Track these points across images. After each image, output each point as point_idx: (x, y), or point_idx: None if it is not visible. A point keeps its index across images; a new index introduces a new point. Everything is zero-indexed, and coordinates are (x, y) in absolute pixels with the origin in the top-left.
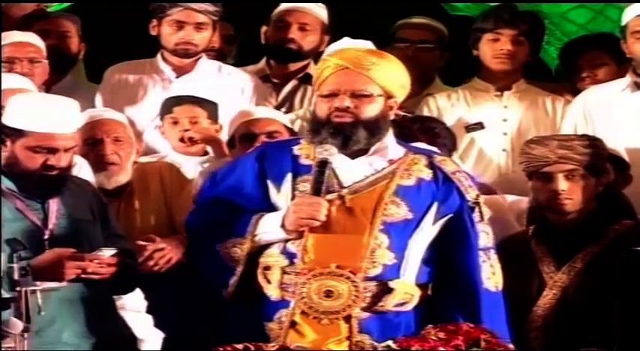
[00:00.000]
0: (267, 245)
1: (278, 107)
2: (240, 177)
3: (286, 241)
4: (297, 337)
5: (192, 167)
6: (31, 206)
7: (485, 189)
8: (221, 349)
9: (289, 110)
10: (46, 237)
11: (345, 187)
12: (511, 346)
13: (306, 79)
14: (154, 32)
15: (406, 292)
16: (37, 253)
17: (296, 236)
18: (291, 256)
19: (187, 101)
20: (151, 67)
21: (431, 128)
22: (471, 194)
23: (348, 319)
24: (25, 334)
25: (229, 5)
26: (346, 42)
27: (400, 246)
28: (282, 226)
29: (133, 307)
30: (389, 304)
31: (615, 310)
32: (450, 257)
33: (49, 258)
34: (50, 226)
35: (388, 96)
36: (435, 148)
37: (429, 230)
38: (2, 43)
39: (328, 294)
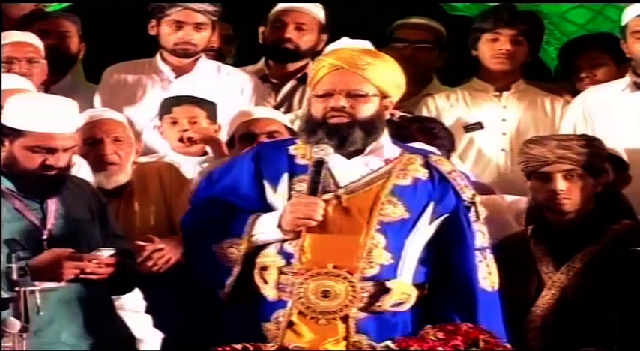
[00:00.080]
0: (264, 245)
1: (277, 107)
2: (237, 177)
3: (283, 241)
4: (294, 337)
5: (192, 167)
6: (29, 206)
7: (483, 189)
8: (220, 349)
9: (288, 110)
10: (44, 237)
11: (341, 187)
12: (508, 345)
13: (305, 79)
14: (153, 32)
15: (403, 292)
16: (36, 253)
17: (293, 236)
18: (287, 256)
19: (186, 101)
20: (150, 67)
21: (429, 129)
22: (466, 194)
23: (345, 319)
24: (24, 334)
25: (228, 5)
26: (345, 42)
27: (397, 246)
28: (279, 226)
29: (132, 307)
30: (386, 304)
31: (614, 310)
32: (447, 257)
33: (47, 258)
34: (49, 226)
35: (383, 95)
36: (430, 148)
37: (425, 230)
38: (2, 43)
39: (325, 294)
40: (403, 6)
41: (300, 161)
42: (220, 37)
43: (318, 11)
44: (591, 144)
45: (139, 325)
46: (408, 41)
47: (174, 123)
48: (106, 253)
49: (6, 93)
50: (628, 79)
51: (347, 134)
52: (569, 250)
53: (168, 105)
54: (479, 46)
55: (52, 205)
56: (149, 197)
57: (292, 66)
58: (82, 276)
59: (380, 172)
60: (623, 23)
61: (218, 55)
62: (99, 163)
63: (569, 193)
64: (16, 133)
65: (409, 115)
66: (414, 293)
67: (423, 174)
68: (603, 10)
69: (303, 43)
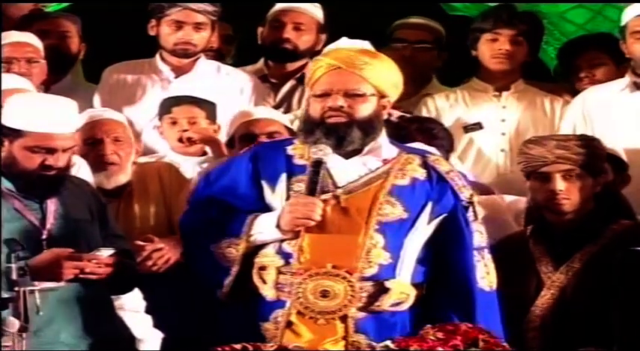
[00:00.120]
0: (262, 245)
1: (276, 107)
2: (235, 177)
3: (281, 241)
4: (293, 337)
5: (191, 167)
6: (29, 206)
7: (482, 189)
8: (219, 349)
9: (287, 110)
10: (44, 237)
11: (339, 187)
12: (506, 345)
13: (304, 79)
14: (152, 32)
15: (402, 292)
16: (35, 253)
17: (291, 236)
18: (286, 256)
19: (186, 101)
20: (149, 67)
21: (429, 129)
22: (464, 194)
23: (344, 319)
24: (24, 334)
25: (228, 5)
26: (344, 42)
27: (395, 246)
28: (278, 226)
29: (132, 308)
30: (385, 303)
31: (613, 310)
32: (445, 257)
33: (47, 258)
34: (48, 226)
35: (381, 95)
36: (428, 148)
37: (423, 230)
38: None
39: (324, 294)
40: (402, 6)
41: (298, 161)
42: (220, 37)
43: (316, 11)
44: (590, 144)
45: (138, 325)
46: (407, 41)
47: (174, 123)
48: (105, 253)
49: (5, 93)
50: (627, 79)
51: (345, 134)
52: (569, 250)
53: (168, 105)
54: (478, 46)
55: (52, 205)
56: (149, 197)
57: (291, 66)
58: (81, 276)
59: (378, 172)
60: (622, 23)
61: (218, 55)
62: (99, 163)
63: (568, 193)
64: (15, 133)
65: (408, 115)
66: (412, 293)
67: (421, 174)
68: (603, 10)
69: (302, 43)
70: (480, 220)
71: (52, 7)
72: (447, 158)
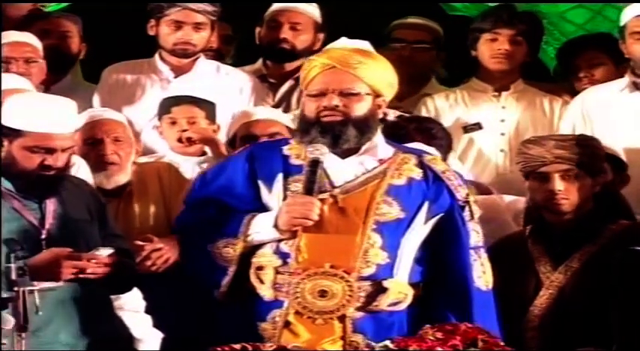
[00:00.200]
0: (259, 245)
1: (275, 107)
2: (231, 177)
3: (279, 241)
4: (291, 337)
5: (191, 167)
6: (28, 206)
7: (481, 188)
8: (219, 349)
9: (286, 110)
10: (43, 237)
11: (336, 187)
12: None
13: None
14: (152, 32)
15: (400, 292)
16: (34, 253)
17: (289, 236)
18: (284, 256)
19: (185, 101)
20: (148, 67)
21: (427, 128)
22: (461, 193)
23: (342, 318)
24: (23, 334)
25: (227, 5)
26: (343, 42)
27: (393, 245)
28: (275, 226)
29: (132, 308)
30: (383, 303)
31: (612, 309)
32: (442, 256)
33: (46, 257)
34: (47, 225)
35: (376, 94)
36: (424, 148)
37: (420, 229)
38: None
39: (322, 294)
40: (402, 6)
41: (294, 161)
42: (219, 37)
43: (313, 10)
44: (589, 144)
45: (138, 325)
46: (405, 41)
47: (174, 123)
48: (104, 252)
49: (5, 93)
50: (627, 79)
51: (340, 132)
52: (568, 249)
53: (167, 105)
54: (478, 46)
55: (51, 205)
56: (148, 197)
57: (290, 66)
58: (80, 276)
59: (374, 172)
60: (621, 24)
61: (217, 55)
62: (99, 163)
63: (567, 193)
64: (14, 133)
65: (407, 115)
66: (410, 293)
67: (417, 173)
68: (602, 10)
69: (300, 43)
70: (476, 220)
71: (50, 7)
72: (445, 158)
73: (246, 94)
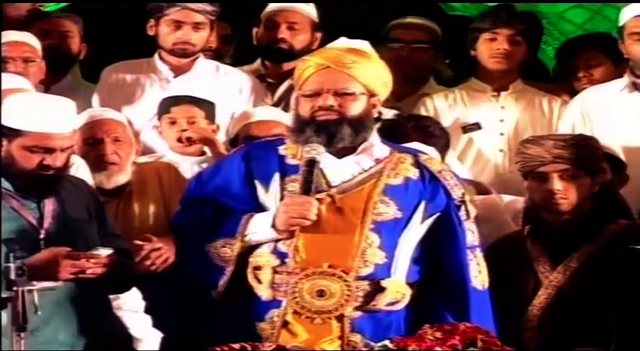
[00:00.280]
0: (257, 245)
1: (274, 107)
2: (227, 177)
3: (276, 241)
4: (289, 337)
5: (190, 167)
6: (26, 206)
7: (480, 188)
8: (218, 349)
9: (285, 110)
10: (41, 236)
11: (333, 187)
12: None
13: None
14: (151, 32)
15: (398, 291)
16: (33, 253)
17: (287, 236)
18: (282, 256)
19: (185, 101)
20: (148, 67)
21: (425, 126)
22: (456, 192)
23: (340, 318)
24: (22, 334)
25: (227, 5)
26: (343, 42)
27: (390, 245)
28: (273, 226)
29: (131, 307)
30: (381, 303)
31: (611, 309)
32: (439, 256)
33: (44, 257)
34: (46, 225)
35: (371, 94)
36: (420, 147)
37: (417, 229)
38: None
39: (321, 293)
40: (401, 6)
41: (290, 161)
42: (218, 36)
43: (309, 10)
44: (588, 144)
45: (137, 325)
46: (404, 41)
47: (173, 123)
48: (103, 252)
49: (4, 93)
50: (626, 79)
51: (335, 131)
52: (566, 249)
53: (167, 105)
54: (477, 46)
55: (49, 205)
56: (148, 197)
57: (288, 65)
58: (79, 276)
59: (371, 172)
60: (620, 24)
61: (216, 54)
62: (99, 163)
63: (565, 192)
64: (14, 133)
65: (404, 115)
66: (408, 292)
67: (413, 173)
68: (601, 10)
69: (297, 43)
70: (472, 219)
71: (49, 7)
72: (443, 156)
73: (246, 93)
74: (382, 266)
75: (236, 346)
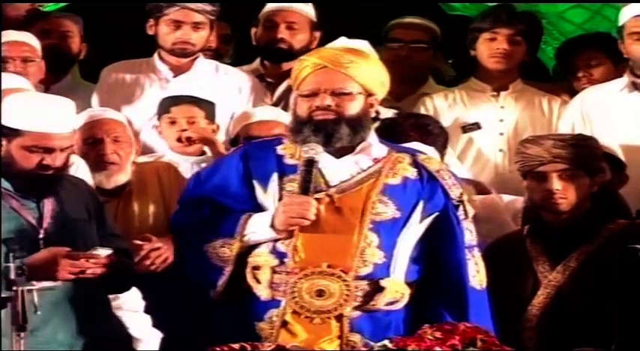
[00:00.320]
0: (255, 245)
1: (274, 107)
2: (226, 177)
3: (275, 240)
4: (288, 337)
5: (190, 167)
6: (26, 205)
7: (480, 188)
8: (218, 349)
9: (284, 109)
10: (41, 236)
11: (332, 187)
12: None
13: None
14: (151, 32)
15: (397, 291)
16: (32, 253)
17: (286, 236)
18: (280, 256)
19: (185, 101)
20: (147, 67)
21: (423, 125)
22: (455, 192)
23: (339, 318)
24: (22, 334)
25: (226, 5)
26: (343, 41)
27: (389, 245)
28: (272, 225)
29: (131, 307)
30: (380, 302)
31: (610, 309)
32: (437, 255)
33: (44, 257)
34: (45, 225)
35: (368, 93)
36: (418, 147)
37: (416, 228)
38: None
39: (320, 293)
40: (401, 5)
41: (289, 161)
42: (218, 36)
43: (307, 9)
44: (587, 143)
45: (137, 324)
46: (403, 41)
47: (173, 123)
48: (103, 252)
49: (4, 93)
50: (626, 79)
51: (333, 130)
52: (565, 249)
53: (167, 105)
54: (477, 46)
55: (49, 205)
56: (148, 197)
57: (287, 65)
58: (79, 275)
59: (369, 171)
60: (620, 24)
61: (216, 54)
62: (99, 163)
63: (564, 192)
64: (13, 133)
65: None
66: (407, 292)
67: (411, 173)
68: (601, 10)
69: (297, 42)
70: (470, 219)
71: (49, 7)
72: (442, 154)
73: (245, 93)
74: (381, 266)
75: (235, 346)
